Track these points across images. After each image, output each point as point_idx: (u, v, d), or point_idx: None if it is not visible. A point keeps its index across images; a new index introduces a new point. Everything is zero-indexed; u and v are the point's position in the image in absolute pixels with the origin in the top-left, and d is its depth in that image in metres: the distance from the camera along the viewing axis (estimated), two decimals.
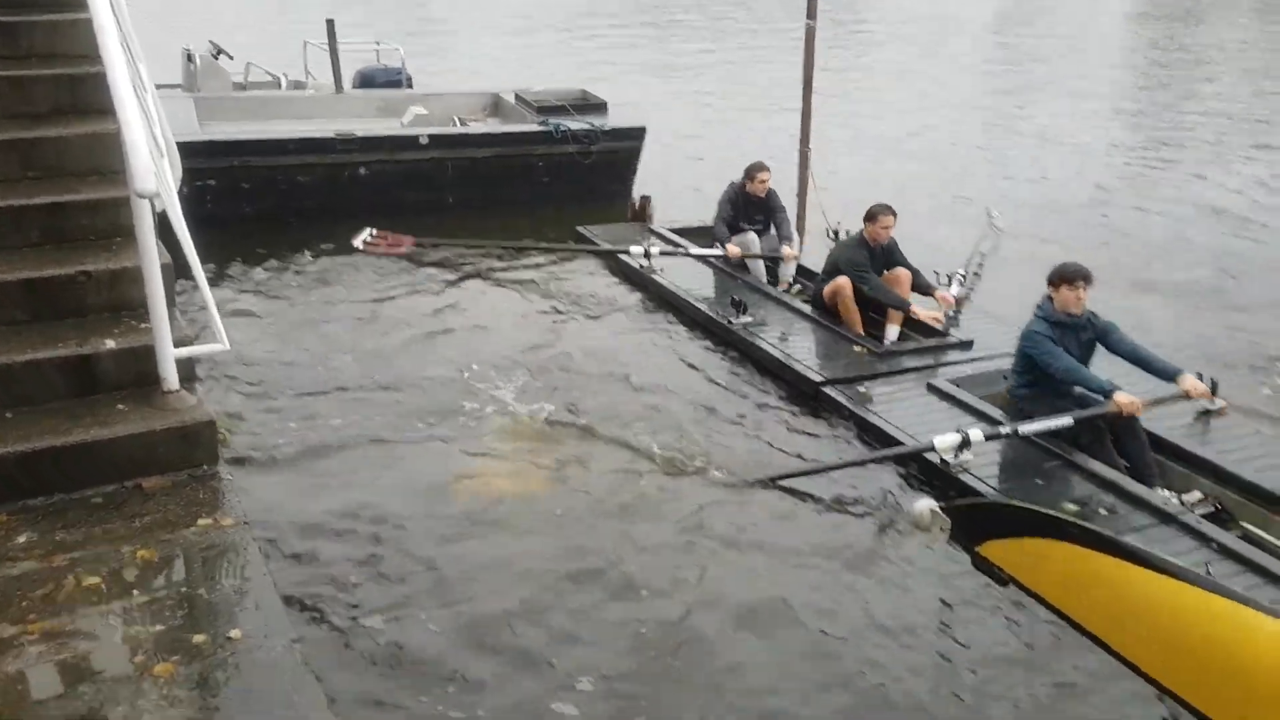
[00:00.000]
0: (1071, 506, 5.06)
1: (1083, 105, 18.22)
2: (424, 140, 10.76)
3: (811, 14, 9.42)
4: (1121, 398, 5.41)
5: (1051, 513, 4.71)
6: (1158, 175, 13.47)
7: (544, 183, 11.16)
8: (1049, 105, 18.16)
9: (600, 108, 11.83)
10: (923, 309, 7.29)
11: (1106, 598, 4.30)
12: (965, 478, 5.39)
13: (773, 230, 8.86)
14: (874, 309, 7.52)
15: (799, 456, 5.95)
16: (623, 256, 9.01)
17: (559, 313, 8.24)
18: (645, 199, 10.52)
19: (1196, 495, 5.31)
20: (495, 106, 12.66)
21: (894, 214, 7.44)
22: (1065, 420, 5.50)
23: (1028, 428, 5.54)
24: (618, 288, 8.83)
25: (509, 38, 24.92)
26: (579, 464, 5.82)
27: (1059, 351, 5.60)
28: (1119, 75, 22.69)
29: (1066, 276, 5.72)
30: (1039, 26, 30.50)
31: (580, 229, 9.94)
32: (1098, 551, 4.30)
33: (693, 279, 8.60)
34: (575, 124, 11.15)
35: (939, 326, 7.29)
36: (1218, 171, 13.57)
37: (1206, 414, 5.96)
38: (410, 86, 13.16)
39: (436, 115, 11.59)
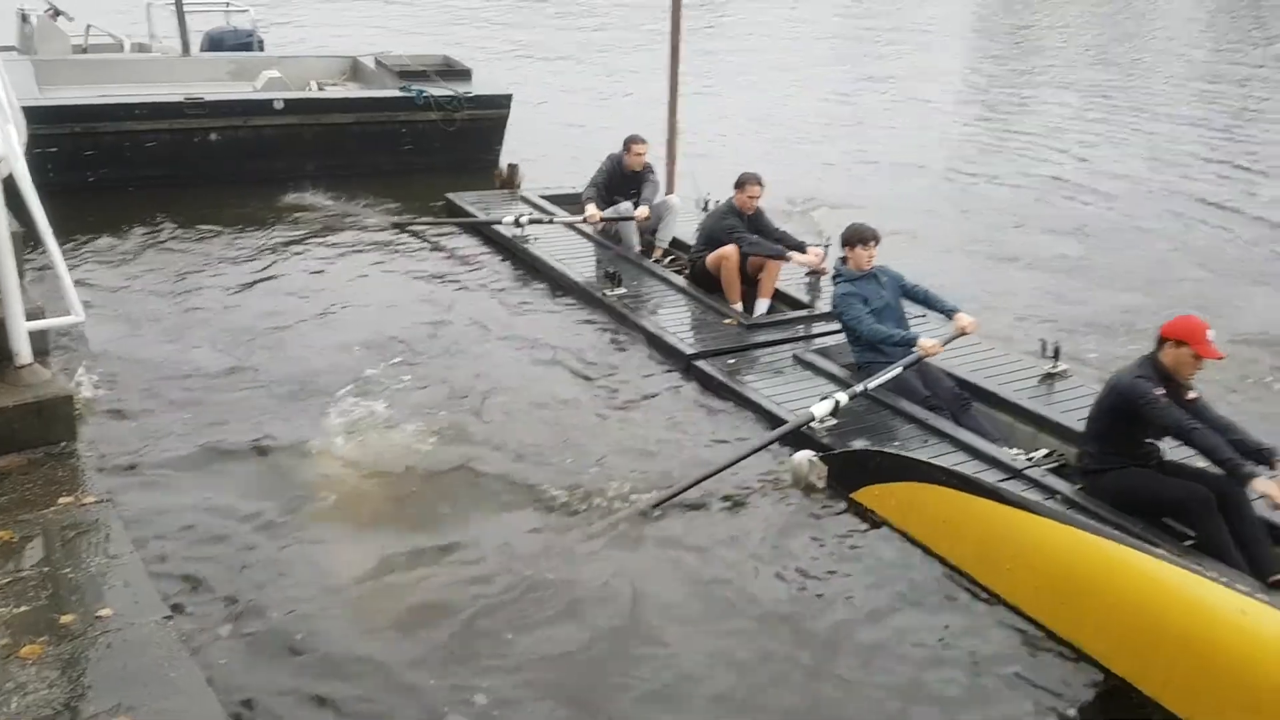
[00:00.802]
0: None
1: (937, 80, 18.97)
2: (279, 105, 10.39)
3: None
4: (924, 341, 5.91)
5: (920, 458, 5.03)
6: (1010, 148, 14.15)
7: (407, 150, 10.95)
8: (909, 84, 18.80)
9: (464, 74, 11.65)
10: (799, 254, 7.58)
11: (973, 535, 4.60)
12: (827, 440, 5.61)
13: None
14: (747, 280, 7.69)
15: (664, 426, 6.00)
16: (496, 228, 8.94)
17: (430, 285, 8.11)
18: (513, 166, 10.45)
19: (1042, 451, 5.66)
20: (354, 71, 12.32)
21: (761, 183, 7.64)
22: (894, 370, 5.88)
23: (873, 383, 5.87)
24: (490, 257, 8.75)
25: (371, 3, 24.20)
26: (451, 444, 5.66)
27: (862, 314, 6.12)
28: (968, 54, 23.67)
29: (862, 237, 6.24)
30: (896, 12, 31.48)
31: (451, 196, 9.81)
32: (963, 493, 4.62)
33: (566, 248, 8.61)
34: (438, 90, 10.96)
35: (820, 265, 7.65)
36: (1063, 143, 14.34)
37: (1051, 376, 6.35)
38: (262, 49, 12.67)
39: (292, 80, 11.18)
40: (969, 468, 5.23)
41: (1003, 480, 5.11)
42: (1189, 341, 4.72)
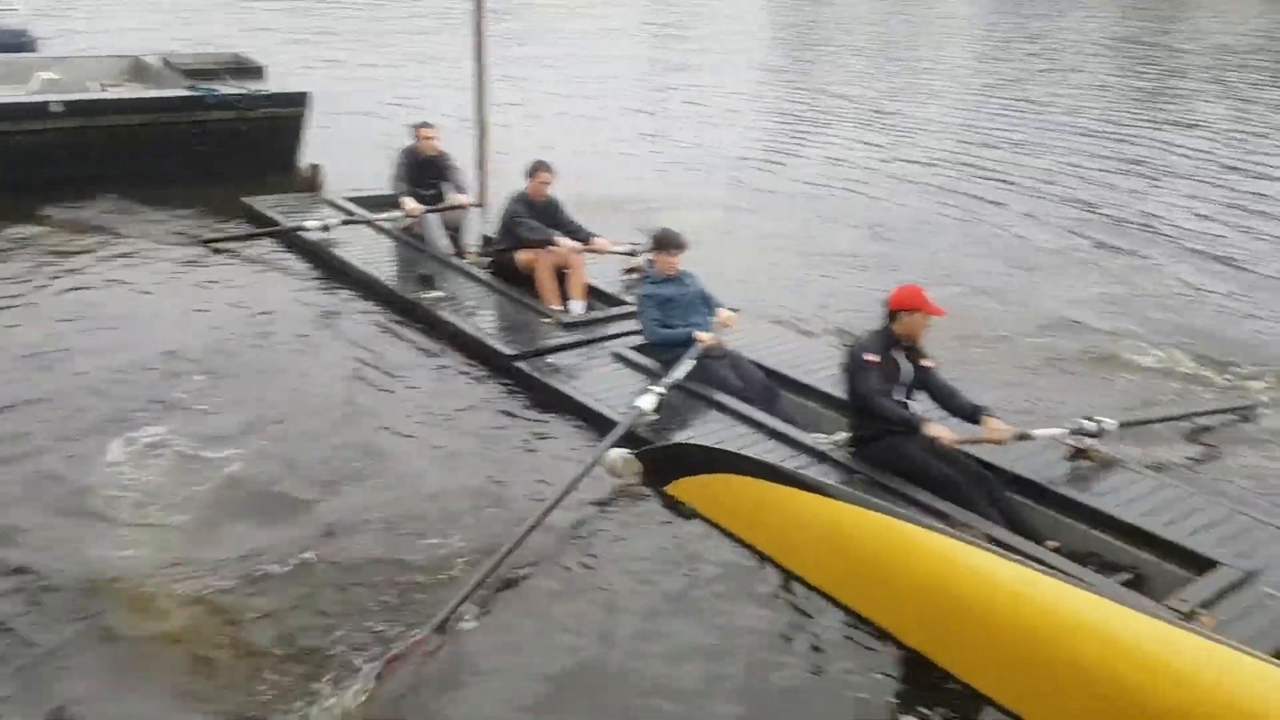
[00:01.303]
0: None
1: (734, 80, 19.56)
2: (56, 108, 9.72)
3: None
4: (700, 335, 6.27)
5: (726, 449, 5.18)
6: (810, 145, 14.78)
7: (199, 153, 10.44)
8: (705, 80, 19.30)
9: (256, 72, 11.21)
10: (565, 240, 7.63)
11: (774, 521, 4.75)
12: (644, 433, 5.71)
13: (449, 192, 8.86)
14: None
15: (487, 434, 5.98)
16: (300, 233, 8.66)
17: (231, 295, 7.78)
18: (315, 167, 10.15)
19: (844, 435, 5.98)
20: (138, 72, 11.65)
21: (551, 170, 7.80)
22: (689, 364, 6.14)
23: (674, 376, 6.05)
24: (295, 264, 8.48)
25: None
26: (256, 469, 5.37)
27: (649, 321, 6.43)
28: (763, 53, 24.52)
29: (671, 244, 6.47)
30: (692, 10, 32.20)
31: (247, 200, 9.43)
32: (764, 480, 4.79)
33: (375, 252, 8.44)
34: (229, 89, 10.50)
35: (619, 249, 7.86)
36: (853, 142, 15.11)
37: None
38: (35, 50, 11.78)
39: (70, 82, 10.49)
40: (777, 454, 5.48)
41: (807, 465, 5.40)
42: (919, 307, 5.30)
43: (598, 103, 16.78)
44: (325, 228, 8.52)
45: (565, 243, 7.65)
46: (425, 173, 8.68)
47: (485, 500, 5.24)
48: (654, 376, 6.38)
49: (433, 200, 8.71)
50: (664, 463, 5.28)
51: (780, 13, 33.68)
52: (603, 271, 7.94)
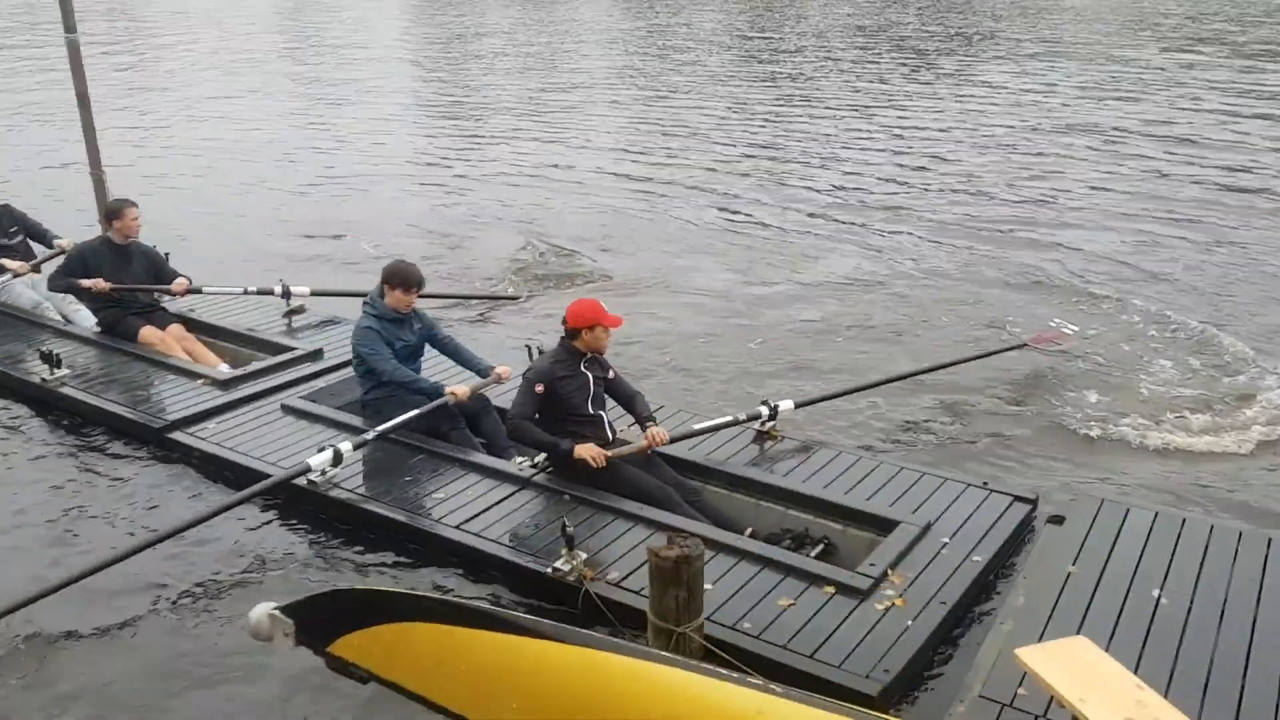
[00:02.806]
0: (439, 495, 5.28)
1: (377, 102, 19.03)
2: None
3: (70, 27, 8.47)
4: (456, 387, 5.78)
5: (399, 591, 4.22)
6: (472, 156, 14.58)
7: None
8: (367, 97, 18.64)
9: None
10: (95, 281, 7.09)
11: (470, 673, 3.80)
12: (337, 494, 5.33)
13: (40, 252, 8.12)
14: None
15: (147, 528, 5.22)
16: None
17: None
18: None
19: (539, 455, 5.83)
20: None
21: (135, 204, 7.20)
22: (413, 413, 5.68)
23: (385, 426, 5.63)
24: None
25: None
26: None
27: (387, 354, 5.80)
28: (406, 71, 24.06)
29: (406, 281, 5.84)
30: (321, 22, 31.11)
31: None
32: (452, 625, 3.83)
33: None
34: None
35: (180, 291, 7.34)
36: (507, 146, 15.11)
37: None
38: None
39: None
40: (480, 487, 5.29)
41: (514, 492, 5.23)
42: (600, 321, 5.26)
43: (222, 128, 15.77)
44: None
45: (88, 282, 7.04)
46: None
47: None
48: (334, 425, 5.96)
49: (9, 252, 7.90)
50: (321, 617, 4.02)
51: (419, 24, 33.34)
52: (262, 317, 7.32)
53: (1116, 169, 13.04)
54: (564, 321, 5.31)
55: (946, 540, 4.79)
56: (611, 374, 5.46)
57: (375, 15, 34.43)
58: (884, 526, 4.92)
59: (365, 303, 5.95)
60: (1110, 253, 9.98)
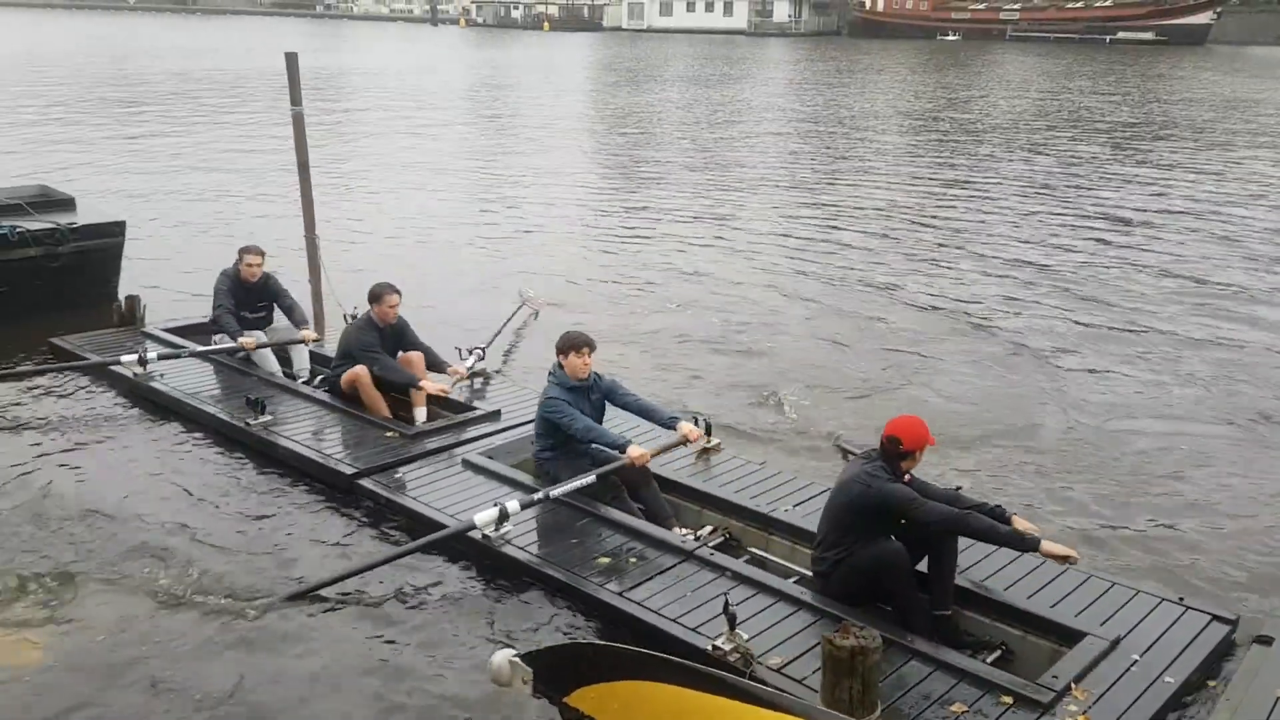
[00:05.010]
0: (604, 560, 5.33)
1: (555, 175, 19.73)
2: None
3: (296, 100, 9.25)
4: (633, 450, 5.85)
5: (639, 650, 4.23)
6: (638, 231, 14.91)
7: (2, 294, 9.64)
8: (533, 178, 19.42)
9: (66, 204, 10.57)
10: (431, 382, 7.34)
11: None
12: (508, 550, 5.47)
13: (278, 318, 8.50)
14: (398, 390, 7.45)
15: (344, 555, 5.65)
16: (114, 368, 8.07)
17: (37, 445, 7.08)
18: (132, 299, 9.54)
19: (708, 528, 5.85)
20: None
21: (398, 292, 7.42)
22: (589, 478, 5.80)
23: (557, 490, 5.76)
24: (110, 404, 7.87)
25: None
26: (80, 626, 4.98)
27: (575, 414, 5.93)
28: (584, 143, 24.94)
29: (574, 345, 6.05)
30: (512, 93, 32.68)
31: (56, 340, 8.76)
32: (687, 689, 3.90)
33: (200, 381, 7.94)
34: (34, 224, 9.83)
35: (446, 395, 7.43)
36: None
37: (706, 452, 6.60)
38: None
39: None
40: (644, 555, 5.31)
41: (676, 564, 5.21)
42: (928, 443, 4.85)
43: (424, 202, 16.69)
44: (141, 360, 7.94)
45: (429, 387, 7.30)
46: (252, 297, 8.31)
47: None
48: (508, 482, 6.14)
49: (258, 323, 8.36)
50: (561, 668, 4.28)
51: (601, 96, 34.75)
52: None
53: None
54: (893, 440, 4.82)
55: (1136, 657, 4.47)
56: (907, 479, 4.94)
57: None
58: (1069, 637, 4.63)
59: (550, 374, 6.17)
60: None
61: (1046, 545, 4.64)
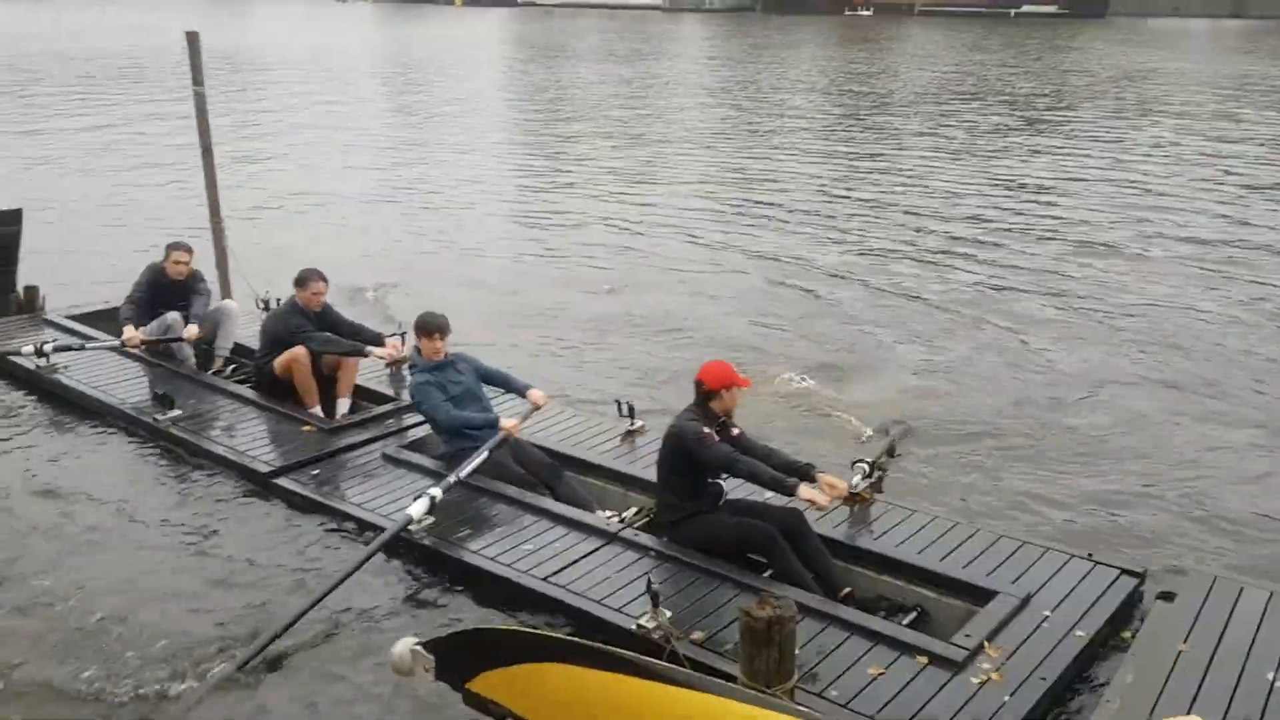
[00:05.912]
0: (528, 547, 5.29)
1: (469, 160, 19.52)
2: None
3: (198, 80, 8.96)
4: (505, 422, 6.03)
5: (538, 632, 4.30)
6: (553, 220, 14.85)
7: None
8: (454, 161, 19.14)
9: None
10: (376, 349, 7.27)
11: (607, 713, 3.87)
12: (430, 542, 5.41)
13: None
14: (330, 371, 7.28)
15: (249, 561, 5.44)
16: (13, 359, 7.77)
17: None
18: (31, 289, 9.18)
19: (633, 509, 5.86)
20: None
21: (325, 280, 7.24)
22: (483, 454, 5.83)
23: (462, 472, 5.75)
24: (6, 396, 7.56)
25: None
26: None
27: (438, 403, 6.05)
28: (505, 124, 24.69)
29: (428, 329, 6.12)
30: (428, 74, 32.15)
31: None
32: (587, 668, 3.90)
33: (105, 373, 7.68)
34: None
35: (401, 355, 7.33)
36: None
37: (631, 434, 6.61)
38: None
39: None
40: (568, 540, 5.31)
41: (600, 545, 5.24)
42: (734, 383, 5.22)
43: (335, 181, 16.36)
44: (40, 352, 7.64)
45: (379, 352, 7.25)
46: (174, 294, 7.99)
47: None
48: (430, 474, 6.07)
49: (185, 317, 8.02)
50: (462, 654, 4.20)
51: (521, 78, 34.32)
52: (363, 366, 7.51)
53: None
54: (698, 384, 5.25)
55: (1048, 613, 4.63)
56: (737, 432, 5.33)
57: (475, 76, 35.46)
58: (981, 596, 4.77)
59: (411, 361, 6.27)
60: None
61: (802, 489, 4.89)
